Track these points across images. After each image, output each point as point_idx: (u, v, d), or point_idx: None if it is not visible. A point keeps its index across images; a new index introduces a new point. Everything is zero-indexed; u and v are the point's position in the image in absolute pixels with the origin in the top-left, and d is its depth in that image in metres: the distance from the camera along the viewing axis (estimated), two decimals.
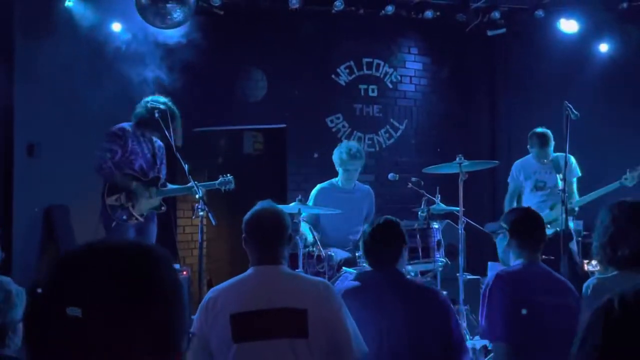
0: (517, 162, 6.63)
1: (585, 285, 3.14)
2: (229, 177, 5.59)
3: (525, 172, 6.51)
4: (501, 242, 3.56)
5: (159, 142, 5.68)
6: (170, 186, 5.67)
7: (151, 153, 5.58)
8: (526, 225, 3.50)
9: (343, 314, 2.92)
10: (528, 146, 6.45)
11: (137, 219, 5.45)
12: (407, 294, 3.39)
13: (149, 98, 5.49)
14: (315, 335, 2.80)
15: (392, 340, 3.25)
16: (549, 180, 6.35)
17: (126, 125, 5.49)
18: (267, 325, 2.81)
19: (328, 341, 2.83)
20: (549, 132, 6.34)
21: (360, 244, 3.60)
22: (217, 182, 5.54)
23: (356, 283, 3.44)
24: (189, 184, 5.17)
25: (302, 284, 2.96)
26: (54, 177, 6.23)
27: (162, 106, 5.34)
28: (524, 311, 3.24)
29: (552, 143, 6.32)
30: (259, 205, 3.13)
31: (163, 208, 5.66)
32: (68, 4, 6.29)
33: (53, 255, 6.07)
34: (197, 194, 5.03)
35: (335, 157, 6.04)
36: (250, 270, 3.02)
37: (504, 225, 3.52)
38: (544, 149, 6.30)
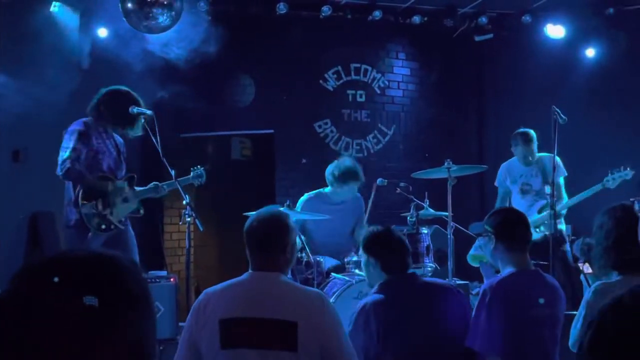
0: (503, 165, 6.61)
1: (590, 290, 3.10)
2: (200, 169, 5.33)
3: (511, 176, 6.50)
4: (487, 246, 3.51)
5: (119, 139, 5.20)
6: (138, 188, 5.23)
7: (116, 150, 5.12)
8: (511, 227, 3.45)
9: (338, 328, 2.83)
10: (512, 148, 6.44)
11: (116, 226, 4.96)
12: (431, 295, 3.39)
13: (108, 90, 5.05)
14: (305, 349, 2.72)
15: (423, 343, 3.25)
16: (534, 183, 6.34)
17: (87, 120, 4.99)
18: (256, 334, 2.75)
19: (319, 355, 2.75)
20: (531, 131, 6.34)
21: (369, 251, 3.51)
22: (190, 176, 5.27)
23: (381, 296, 3.34)
24: (179, 184, 4.85)
25: (296, 296, 2.86)
26: (40, 184, 6.16)
27: (148, 112, 4.97)
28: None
29: (535, 142, 6.31)
30: (262, 209, 3.06)
31: (141, 211, 5.18)
32: (53, 9, 6.25)
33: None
34: (185, 196, 4.74)
35: (331, 174, 5.84)
36: (246, 275, 2.94)
37: (488, 228, 3.46)
38: (527, 145, 6.29)
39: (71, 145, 4.82)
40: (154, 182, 5.06)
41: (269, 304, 2.79)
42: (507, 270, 3.40)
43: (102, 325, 1.05)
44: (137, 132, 5.05)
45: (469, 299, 6.57)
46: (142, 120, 4.97)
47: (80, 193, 4.84)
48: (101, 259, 1.13)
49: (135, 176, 5.19)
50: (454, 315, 3.36)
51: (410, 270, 3.52)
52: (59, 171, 4.82)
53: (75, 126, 4.93)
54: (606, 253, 3.10)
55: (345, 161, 5.89)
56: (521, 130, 6.38)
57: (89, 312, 1.05)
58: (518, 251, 3.41)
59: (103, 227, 4.90)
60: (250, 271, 2.95)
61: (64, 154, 4.81)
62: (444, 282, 3.60)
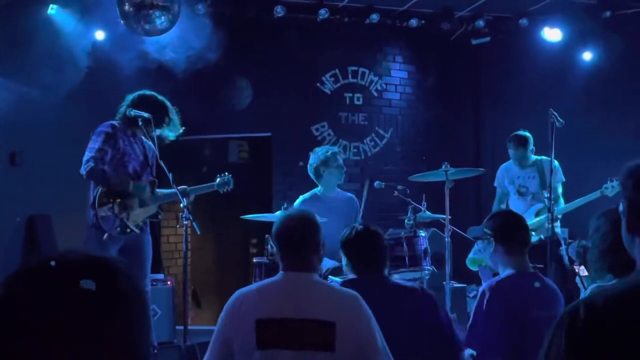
0: (502, 166, 6.65)
1: (586, 292, 3.10)
2: (228, 176, 5.27)
3: (509, 177, 6.53)
4: (486, 249, 3.52)
5: (148, 143, 5.19)
6: (160, 191, 5.19)
7: (143, 154, 5.12)
8: (511, 229, 3.46)
9: (373, 328, 2.84)
10: (508, 149, 6.48)
11: (132, 230, 4.92)
12: (396, 297, 3.36)
13: (135, 95, 5.08)
14: (343, 349, 2.73)
15: (389, 345, 3.22)
16: (531, 185, 6.36)
17: (115, 122, 5.01)
18: (294, 334, 2.75)
19: (355, 356, 2.76)
20: (526, 134, 6.35)
21: (343, 251, 3.51)
22: (216, 182, 5.24)
23: None
24: (181, 187, 4.86)
25: (332, 296, 2.88)
26: (37, 186, 6.16)
27: (145, 115, 4.93)
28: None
29: (530, 146, 6.33)
30: (290, 210, 3.10)
31: (160, 216, 5.19)
32: (50, 11, 6.24)
33: None
34: (183, 200, 4.72)
35: (314, 164, 5.91)
36: (279, 275, 2.95)
37: (488, 232, 3.47)
38: (518, 150, 6.32)
39: (97, 145, 4.84)
40: (183, 187, 4.97)
41: (306, 304, 2.80)
42: (506, 272, 3.41)
43: (96, 327, 1.05)
44: (170, 133, 5.05)
45: (466, 302, 6.58)
46: (140, 123, 4.93)
47: (98, 195, 4.82)
48: (95, 261, 1.13)
49: (157, 181, 5.15)
50: (417, 319, 3.31)
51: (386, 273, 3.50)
52: (82, 170, 4.81)
53: (103, 128, 4.94)
54: (602, 256, 3.09)
55: (318, 148, 6.03)
56: (515, 133, 6.40)
57: (83, 314, 1.04)
58: (517, 254, 3.41)
59: (118, 229, 4.88)
60: (282, 272, 2.95)
61: (89, 153, 4.81)
62: (410, 284, 3.56)
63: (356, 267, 3.47)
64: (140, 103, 5.01)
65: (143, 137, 5.16)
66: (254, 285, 2.96)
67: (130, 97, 5.09)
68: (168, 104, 5.14)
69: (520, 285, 3.36)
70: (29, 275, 1.08)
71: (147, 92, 5.15)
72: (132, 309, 1.12)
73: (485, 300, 3.29)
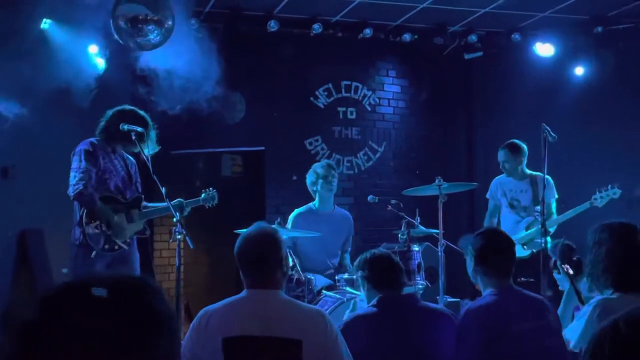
0: (496, 179, 6.64)
1: (591, 304, 3.07)
2: (213, 191, 5.28)
3: (501, 189, 6.52)
4: (469, 263, 3.49)
5: (130, 159, 5.20)
6: (149, 205, 5.18)
7: (125, 171, 5.10)
8: (489, 254, 3.37)
9: (339, 346, 2.82)
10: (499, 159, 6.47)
11: (120, 247, 4.92)
12: (424, 318, 3.34)
13: (115, 110, 5.03)
14: None
15: None
16: (523, 199, 6.35)
17: (94, 140, 4.97)
18: (260, 353, 2.73)
19: None
20: (520, 144, 6.35)
21: (366, 271, 3.50)
22: (201, 197, 5.24)
23: (373, 309, 3.33)
24: (176, 201, 4.86)
25: (298, 313, 2.86)
26: (29, 201, 6.13)
27: (139, 129, 4.88)
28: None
29: (523, 155, 6.33)
30: (250, 227, 3.05)
31: (147, 232, 5.18)
32: (44, 26, 6.25)
33: (26, 280, 5.95)
34: (176, 214, 4.67)
35: (310, 176, 5.98)
36: (243, 293, 2.92)
37: (471, 250, 3.42)
38: (513, 155, 6.30)
39: (82, 165, 4.80)
40: (178, 199, 4.96)
41: (272, 322, 2.78)
42: (486, 292, 3.39)
43: (130, 346, 1.05)
44: (150, 148, 4.96)
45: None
46: (134, 137, 4.86)
47: (85, 213, 4.81)
48: (133, 282, 1.13)
49: (143, 197, 5.14)
50: (448, 344, 3.28)
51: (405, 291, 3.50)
52: (70, 192, 4.79)
53: (82, 146, 4.90)
54: (607, 271, 3.05)
55: (316, 164, 6.09)
56: (510, 141, 6.42)
57: (118, 332, 1.04)
58: (495, 277, 3.36)
59: (107, 247, 4.87)
60: (246, 290, 2.93)
61: (76, 174, 4.79)
62: (442, 309, 3.53)
63: (380, 287, 3.44)
64: (121, 118, 4.96)
65: (124, 153, 5.14)
66: (220, 303, 2.92)
67: (110, 112, 5.04)
68: (148, 119, 5.10)
69: (497, 302, 3.29)
70: (62, 297, 1.08)
71: (128, 107, 5.11)
72: (165, 328, 1.11)
73: (460, 323, 3.29)
